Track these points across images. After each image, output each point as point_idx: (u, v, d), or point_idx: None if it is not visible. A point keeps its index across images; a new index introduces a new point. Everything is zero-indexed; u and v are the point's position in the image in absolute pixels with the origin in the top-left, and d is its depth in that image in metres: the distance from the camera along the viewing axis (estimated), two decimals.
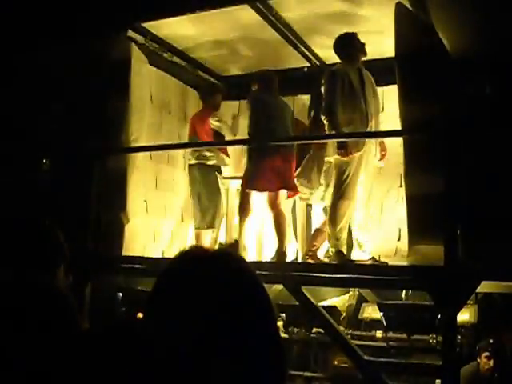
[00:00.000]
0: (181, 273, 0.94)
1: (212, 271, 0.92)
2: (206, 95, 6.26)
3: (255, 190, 5.24)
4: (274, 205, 5.20)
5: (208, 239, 5.96)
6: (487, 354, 4.81)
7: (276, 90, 5.58)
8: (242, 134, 6.14)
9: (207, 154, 5.92)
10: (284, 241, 5.18)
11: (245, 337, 0.87)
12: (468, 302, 4.39)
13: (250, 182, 5.23)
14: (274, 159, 5.11)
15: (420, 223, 4.23)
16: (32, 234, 1.87)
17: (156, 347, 0.87)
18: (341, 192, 4.86)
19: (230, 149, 6.25)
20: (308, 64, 6.60)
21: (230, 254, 1.01)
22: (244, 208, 5.33)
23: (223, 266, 0.95)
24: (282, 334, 5.58)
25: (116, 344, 1.02)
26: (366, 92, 4.99)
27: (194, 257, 0.98)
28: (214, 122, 6.25)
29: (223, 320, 0.87)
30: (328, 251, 5.14)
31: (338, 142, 4.83)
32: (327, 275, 4.37)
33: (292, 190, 5.29)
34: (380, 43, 5.37)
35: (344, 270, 4.49)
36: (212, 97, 6.21)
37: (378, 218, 5.63)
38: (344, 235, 4.92)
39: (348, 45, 5.04)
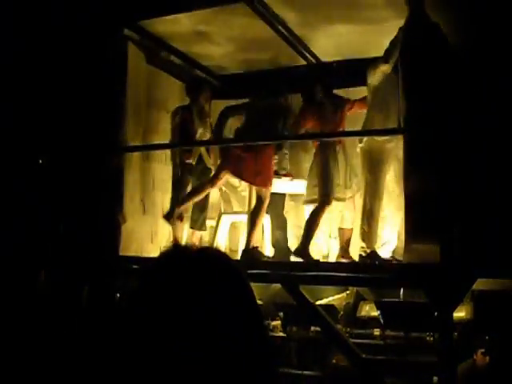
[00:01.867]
0: (164, 272, 0.92)
1: (197, 270, 0.91)
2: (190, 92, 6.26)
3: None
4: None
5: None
6: (483, 350, 4.82)
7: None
8: None
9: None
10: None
11: (232, 338, 0.87)
12: (464, 299, 4.40)
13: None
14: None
15: (417, 222, 4.23)
16: (15, 235, 1.86)
17: (139, 349, 0.86)
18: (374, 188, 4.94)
19: None
20: (305, 62, 6.62)
21: (215, 252, 0.99)
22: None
23: (208, 264, 0.93)
24: (281, 333, 5.59)
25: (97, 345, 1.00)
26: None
27: (178, 256, 0.96)
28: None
29: (209, 321, 0.86)
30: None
31: None
32: (324, 274, 4.38)
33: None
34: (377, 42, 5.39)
35: (341, 269, 4.50)
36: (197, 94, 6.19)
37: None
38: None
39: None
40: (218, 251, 1.00)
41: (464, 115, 3.91)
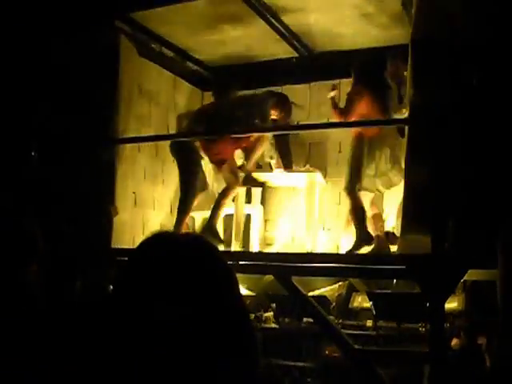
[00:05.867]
0: (148, 256, 0.95)
1: (180, 254, 0.93)
2: None
3: None
4: None
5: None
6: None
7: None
8: None
9: None
10: None
11: (215, 321, 0.88)
12: (456, 290, 4.42)
13: None
14: None
15: (411, 212, 4.22)
16: (2, 229, 1.83)
17: (123, 328, 0.87)
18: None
19: None
20: (296, 54, 6.60)
21: (198, 237, 1.01)
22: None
23: (191, 249, 0.95)
24: (273, 325, 5.60)
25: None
26: None
27: (161, 240, 0.99)
28: None
29: (191, 303, 0.87)
30: None
31: None
32: (317, 265, 4.38)
33: None
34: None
35: (333, 260, 4.51)
36: None
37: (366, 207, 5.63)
38: None
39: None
40: (199, 237, 1.02)
41: (468, 107, 3.88)
